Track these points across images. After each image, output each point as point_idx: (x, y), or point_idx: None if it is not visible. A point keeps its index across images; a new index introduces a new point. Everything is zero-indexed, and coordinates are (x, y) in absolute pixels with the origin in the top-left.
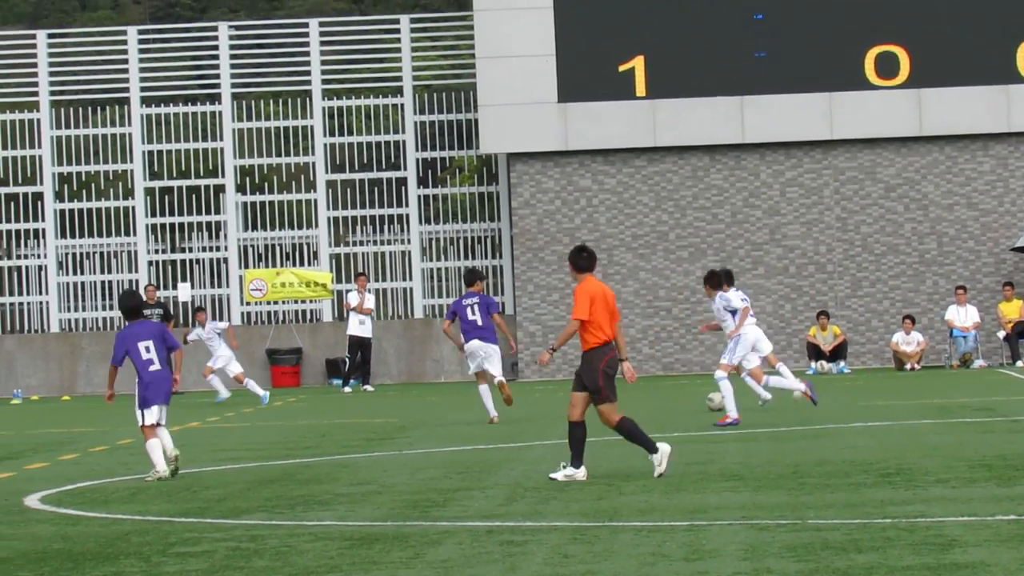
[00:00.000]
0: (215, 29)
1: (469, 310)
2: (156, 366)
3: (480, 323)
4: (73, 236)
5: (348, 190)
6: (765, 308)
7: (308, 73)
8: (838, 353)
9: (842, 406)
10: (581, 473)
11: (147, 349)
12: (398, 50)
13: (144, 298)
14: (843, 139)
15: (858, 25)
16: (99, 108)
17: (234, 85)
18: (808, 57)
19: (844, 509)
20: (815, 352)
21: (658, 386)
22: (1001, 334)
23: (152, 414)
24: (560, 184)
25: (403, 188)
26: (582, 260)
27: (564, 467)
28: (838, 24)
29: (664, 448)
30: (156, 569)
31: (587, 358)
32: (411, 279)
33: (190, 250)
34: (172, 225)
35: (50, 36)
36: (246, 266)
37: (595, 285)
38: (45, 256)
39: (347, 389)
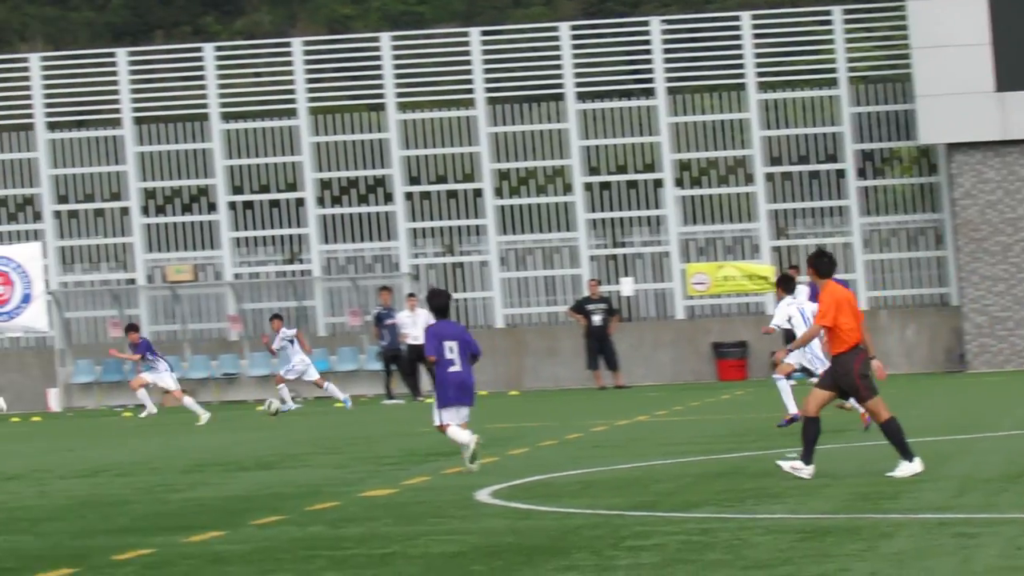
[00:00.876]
0: (647, 24)
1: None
2: (456, 367)
3: None
4: (514, 232)
5: (786, 183)
6: None
7: (741, 67)
8: None
9: None
10: (807, 471)
11: (451, 350)
12: (831, 41)
13: (589, 293)
14: None
15: None
16: (534, 104)
17: (668, 79)
18: None
19: None
20: None
21: None
22: None
23: (449, 415)
24: (1001, 174)
25: (842, 180)
26: (824, 265)
27: (793, 458)
28: None
29: (917, 463)
30: (608, 563)
31: (840, 362)
32: (854, 271)
33: (631, 244)
34: (612, 220)
35: (483, 33)
36: (687, 260)
37: (839, 290)
38: (487, 252)
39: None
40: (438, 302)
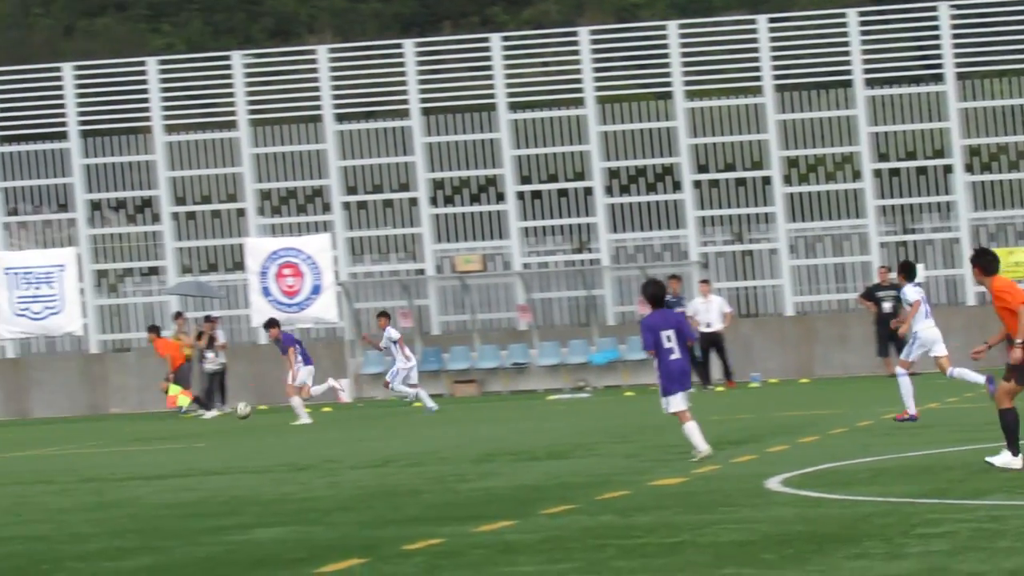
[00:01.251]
0: (935, 8)
1: None
2: (676, 355)
3: None
4: (803, 219)
5: None
6: None
7: None
8: None
9: None
10: (1018, 462)
11: (668, 339)
12: None
13: (879, 280)
14: None
15: None
16: (822, 91)
17: (957, 64)
18: None
19: None
20: None
21: None
22: None
23: (676, 402)
24: None
25: None
26: (989, 262)
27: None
28: None
29: (1021, 458)
30: (899, 550)
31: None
32: None
33: (921, 231)
34: (902, 206)
35: (771, 20)
36: (978, 246)
37: (1006, 278)
38: (776, 240)
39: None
40: (654, 293)
